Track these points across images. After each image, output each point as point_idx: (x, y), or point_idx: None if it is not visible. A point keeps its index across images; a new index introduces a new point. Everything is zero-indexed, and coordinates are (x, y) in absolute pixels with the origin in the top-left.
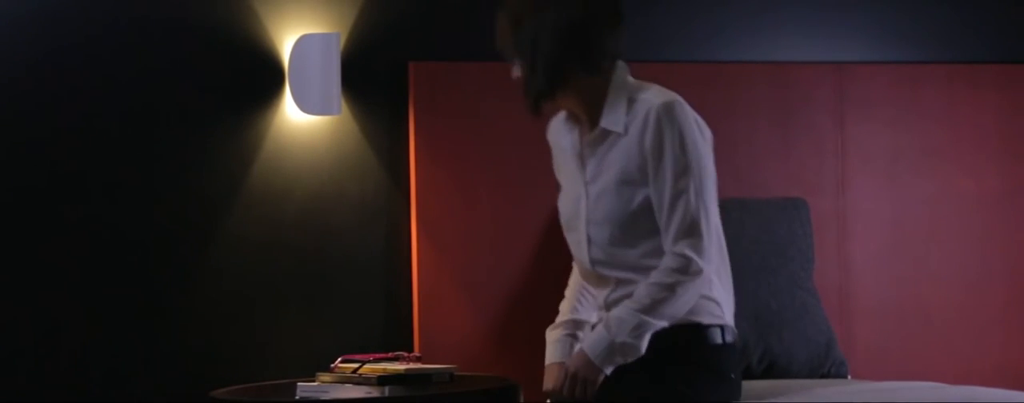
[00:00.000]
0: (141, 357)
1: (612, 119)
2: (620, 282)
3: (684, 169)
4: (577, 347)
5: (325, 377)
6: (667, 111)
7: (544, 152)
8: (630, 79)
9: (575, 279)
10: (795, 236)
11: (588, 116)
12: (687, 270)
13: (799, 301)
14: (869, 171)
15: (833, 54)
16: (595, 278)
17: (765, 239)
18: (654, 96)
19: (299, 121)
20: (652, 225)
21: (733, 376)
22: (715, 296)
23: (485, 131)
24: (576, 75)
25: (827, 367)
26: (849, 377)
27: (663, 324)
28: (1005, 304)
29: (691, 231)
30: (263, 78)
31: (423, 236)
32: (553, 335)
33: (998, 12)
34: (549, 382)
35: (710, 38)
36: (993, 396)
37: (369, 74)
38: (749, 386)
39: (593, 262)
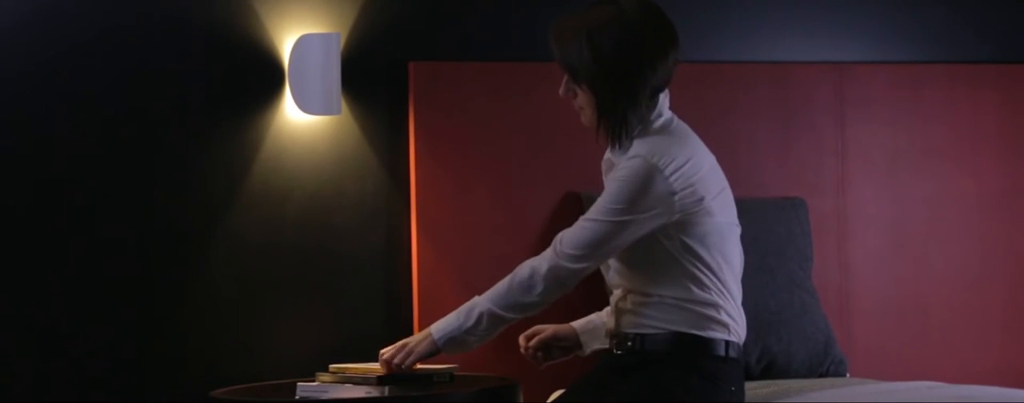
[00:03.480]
0: (141, 357)
1: (619, 152)
2: (629, 291)
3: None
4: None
5: (325, 377)
6: (641, 168)
7: (543, 152)
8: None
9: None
10: (793, 236)
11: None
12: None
13: (797, 301)
14: (869, 171)
15: (833, 54)
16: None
17: (764, 239)
18: (644, 149)
19: (299, 121)
20: (647, 255)
21: (733, 389)
22: (724, 319)
23: (485, 131)
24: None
25: (826, 366)
26: (848, 375)
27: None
28: (1005, 304)
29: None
30: (263, 78)
31: (423, 236)
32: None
33: (998, 12)
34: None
35: (710, 38)
36: (993, 396)
37: (369, 74)
38: (748, 387)
39: (611, 278)
